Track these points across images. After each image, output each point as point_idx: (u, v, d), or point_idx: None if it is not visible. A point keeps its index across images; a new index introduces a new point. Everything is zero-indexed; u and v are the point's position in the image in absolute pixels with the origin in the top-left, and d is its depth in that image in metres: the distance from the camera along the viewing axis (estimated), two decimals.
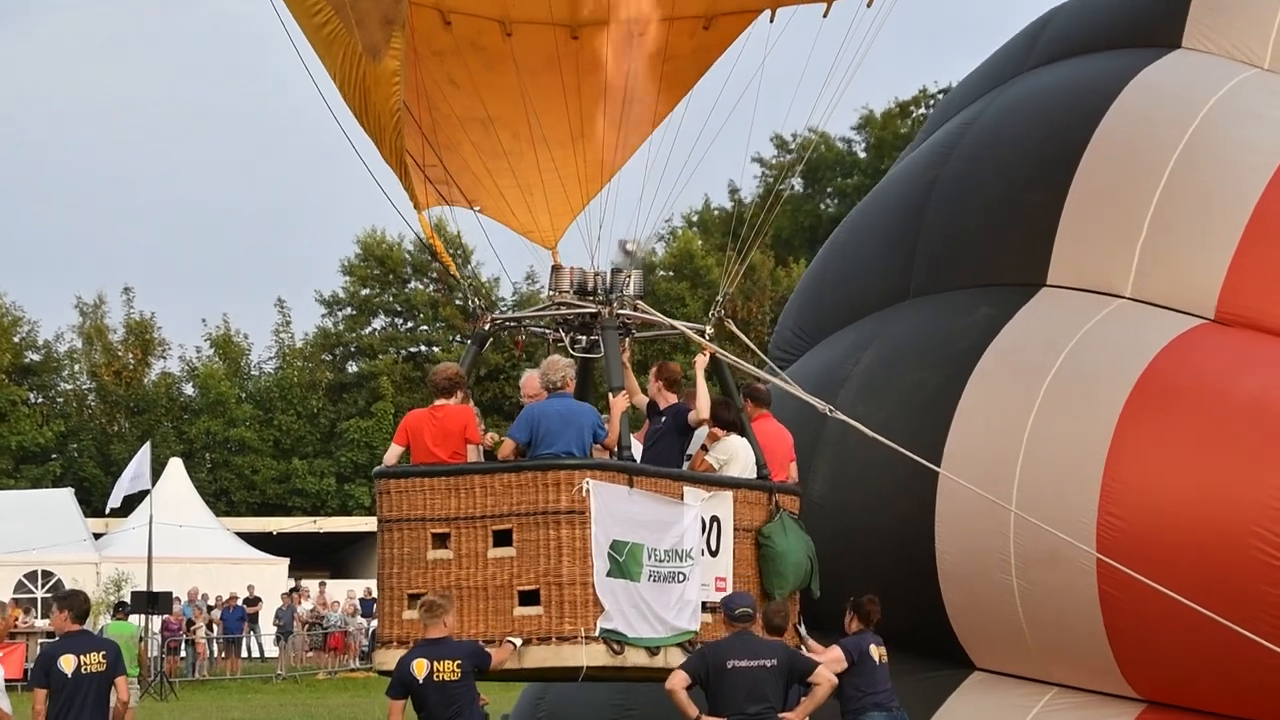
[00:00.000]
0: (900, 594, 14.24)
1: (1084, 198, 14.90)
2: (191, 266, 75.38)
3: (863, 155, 55.74)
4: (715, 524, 12.58)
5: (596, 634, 11.77)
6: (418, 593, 12.08)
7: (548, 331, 13.20)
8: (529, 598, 11.86)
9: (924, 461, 13.62)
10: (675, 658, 12.19)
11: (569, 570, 11.76)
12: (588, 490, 11.77)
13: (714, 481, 12.71)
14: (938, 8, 72.38)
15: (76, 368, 53.33)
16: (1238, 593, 13.30)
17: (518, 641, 11.72)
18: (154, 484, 39.15)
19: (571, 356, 12.77)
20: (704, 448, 13.02)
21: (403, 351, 53.72)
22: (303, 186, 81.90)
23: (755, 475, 13.10)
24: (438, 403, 12.38)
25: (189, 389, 53.12)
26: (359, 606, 40.75)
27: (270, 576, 42.72)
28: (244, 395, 52.57)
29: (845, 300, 16.66)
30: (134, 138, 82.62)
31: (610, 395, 12.39)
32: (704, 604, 12.47)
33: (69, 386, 53.54)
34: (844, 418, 13.79)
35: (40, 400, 53.03)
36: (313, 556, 47.47)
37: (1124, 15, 16.33)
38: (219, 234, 77.11)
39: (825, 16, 13.53)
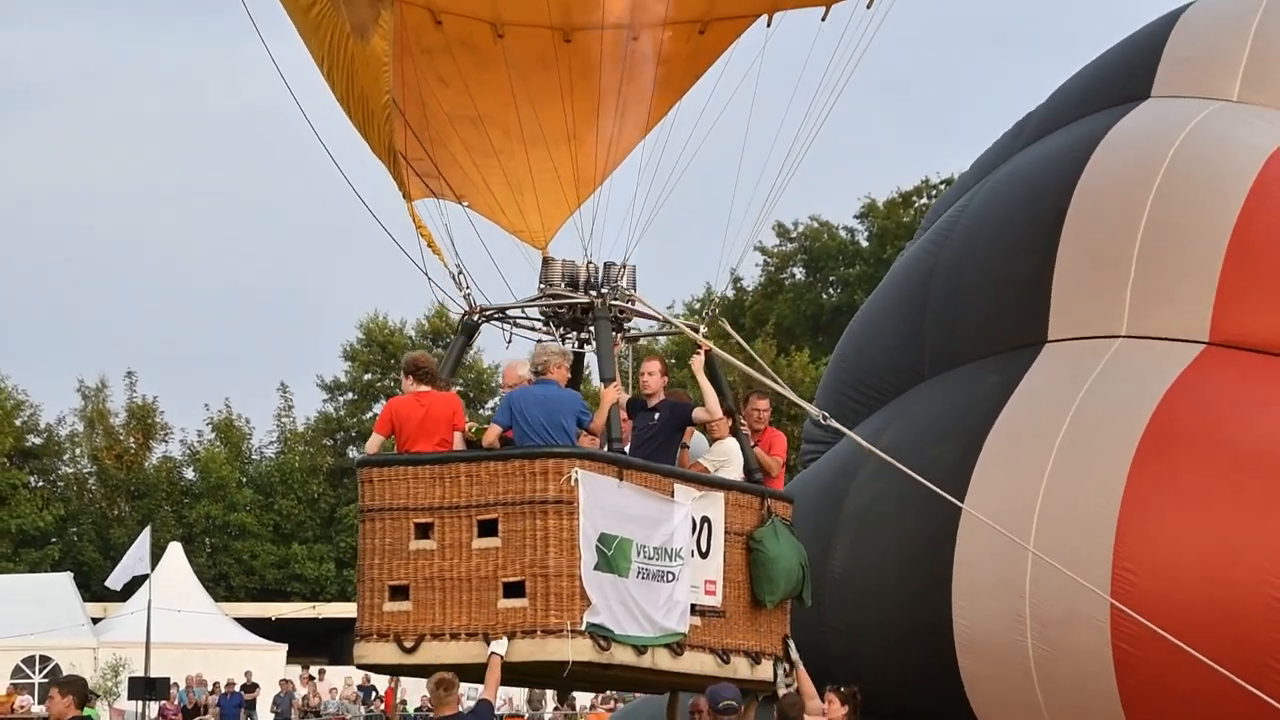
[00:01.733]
0: (916, 667, 14.39)
1: (1073, 252, 15.23)
2: (194, 350, 75.39)
3: (865, 244, 55.72)
4: (706, 525, 12.22)
5: (583, 628, 11.38)
6: (399, 584, 11.73)
7: (537, 326, 12.92)
8: (514, 589, 11.47)
9: (948, 496, 13.53)
10: (663, 659, 11.85)
11: (556, 561, 11.39)
12: (576, 480, 11.43)
13: (706, 481, 12.37)
14: (939, 99, 72.80)
15: (78, 451, 53.12)
16: (1254, 650, 13.30)
17: (501, 650, 11.36)
18: (153, 568, 38.82)
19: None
20: (684, 445, 12.71)
21: None
22: (305, 271, 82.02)
23: (746, 478, 12.80)
24: (420, 389, 12.08)
25: (190, 473, 52.87)
26: (359, 694, 40.18)
27: (268, 662, 42.24)
28: (244, 480, 52.32)
29: (862, 389, 16.93)
30: (136, 223, 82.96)
31: (601, 386, 12.10)
32: (693, 606, 12.11)
33: (70, 470, 53.30)
34: (837, 425, 13.65)
35: (41, 484, 52.78)
36: (312, 642, 46.99)
37: (1096, 83, 16.78)
38: (222, 318, 77.18)
39: (824, 20, 13.36)
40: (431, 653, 11.63)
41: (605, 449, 11.88)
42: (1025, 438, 14.65)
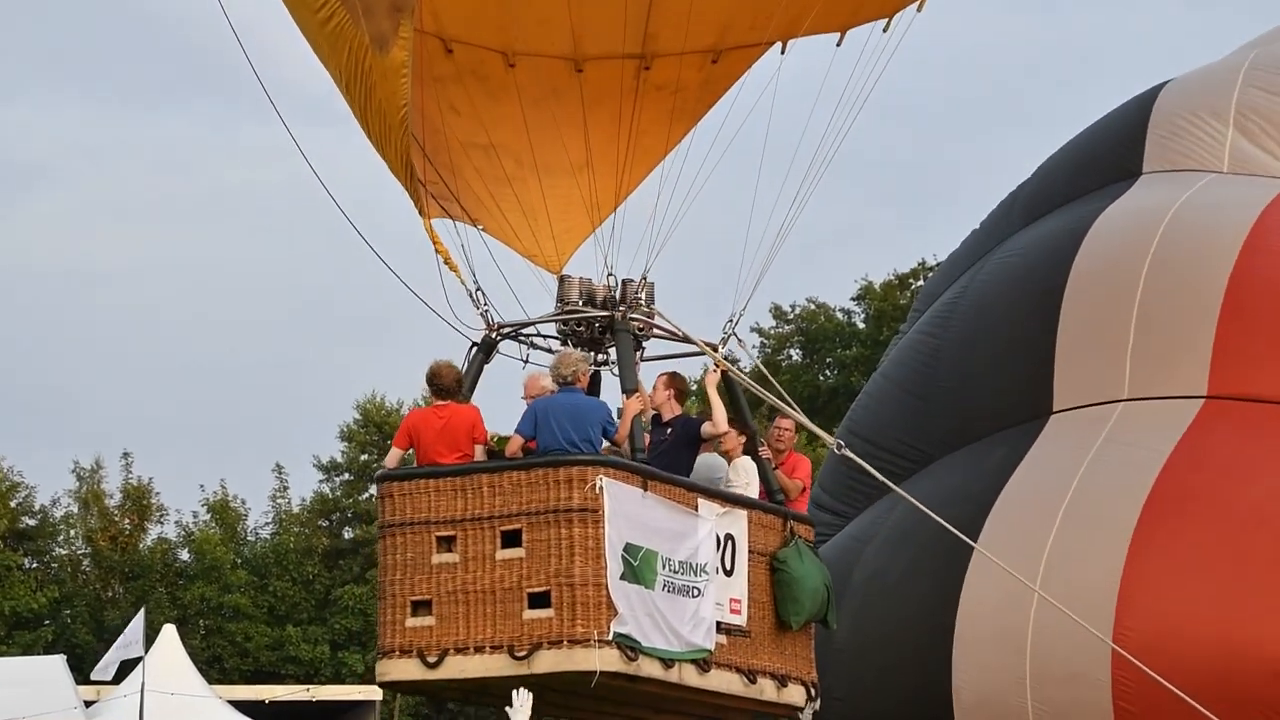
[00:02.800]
0: None
1: (1072, 325, 15.44)
2: (191, 431, 75.12)
3: (862, 326, 55.68)
4: (730, 542, 12.11)
5: (610, 638, 11.24)
6: (421, 599, 11.58)
7: (554, 346, 12.81)
8: (539, 600, 11.36)
9: (963, 536, 13.48)
10: (690, 675, 11.73)
11: (581, 570, 11.28)
12: (601, 487, 11.31)
13: (729, 498, 12.26)
14: (936, 182, 73.10)
15: (72, 533, 52.75)
16: (1257, 710, 13.49)
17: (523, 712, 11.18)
18: (147, 651, 38.46)
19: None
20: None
21: None
22: (302, 352, 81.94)
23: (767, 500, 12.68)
24: (440, 402, 11.96)
25: (185, 555, 52.49)
26: None
27: None
28: (239, 561, 51.97)
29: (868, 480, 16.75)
30: (133, 302, 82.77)
31: (623, 397, 11.98)
32: (719, 624, 11.97)
33: (64, 552, 52.91)
34: (851, 455, 13.61)
35: (35, 565, 52.35)
36: None
37: (1087, 167, 17.04)
38: (219, 399, 76.95)
39: (839, 46, 13.38)
40: (455, 667, 11.51)
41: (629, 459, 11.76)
42: (1031, 503, 14.84)
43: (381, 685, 11.72)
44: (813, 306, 55.91)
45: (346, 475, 54.73)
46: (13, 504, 52.24)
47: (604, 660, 11.20)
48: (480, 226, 13.26)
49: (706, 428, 12.42)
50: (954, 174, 70.64)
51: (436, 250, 12.37)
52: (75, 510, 53.21)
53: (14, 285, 74.70)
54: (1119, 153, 16.94)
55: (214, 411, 74.50)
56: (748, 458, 12.58)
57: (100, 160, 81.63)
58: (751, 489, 12.52)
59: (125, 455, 53.55)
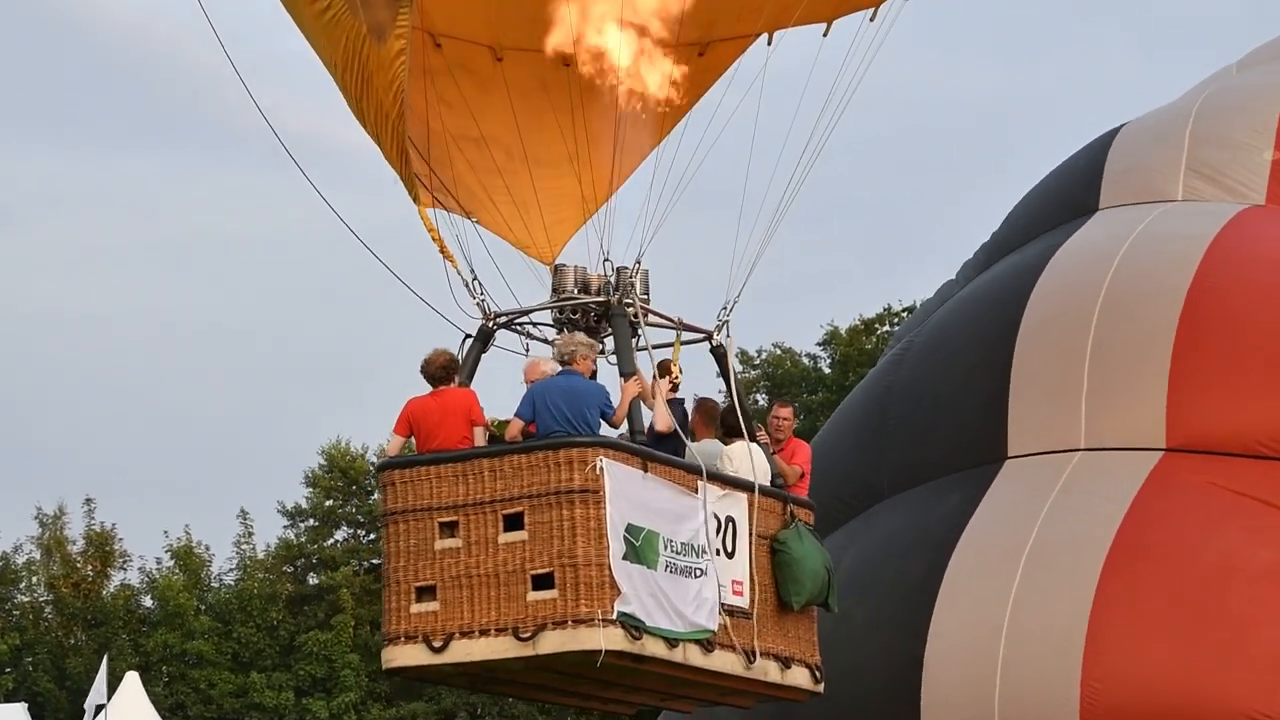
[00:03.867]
0: None
1: (1026, 367, 15.51)
2: (154, 477, 74.77)
3: (828, 371, 55.84)
4: (730, 524, 12.20)
5: (614, 617, 11.30)
6: (425, 585, 11.63)
7: (550, 332, 12.89)
8: (543, 581, 11.41)
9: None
10: (694, 655, 11.78)
11: (584, 551, 11.34)
12: (601, 468, 11.39)
13: (728, 481, 12.35)
14: (901, 228, 73.55)
15: (35, 579, 52.42)
16: None
17: None
18: (109, 698, 38.25)
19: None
20: None
21: (364, 563, 53.03)
22: (266, 397, 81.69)
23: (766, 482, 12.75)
24: (439, 387, 12.06)
25: (148, 601, 52.20)
26: None
27: None
28: (203, 608, 51.70)
29: (821, 508, 16.78)
30: (95, 347, 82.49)
31: (621, 380, 12.08)
32: (722, 605, 12.05)
33: (26, 599, 52.56)
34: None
35: None
36: None
37: (1043, 203, 17.20)
38: (183, 444, 76.62)
39: (825, 36, 13.49)
40: (461, 650, 11.55)
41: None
42: (991, 554, 14.90)
43: (389, 672, 11.74)
44: (778, 351, 56.07)
45: (311, 521, 54.58)
46: None
47: (609, 639, 11.26)
48: (474, 219, 13.33)
49: (658, 426, 12.43)
50: (920, 220, 71.12)
51: (432, 239, 12.45)
52: (37, 557, 52.92)
53: None
54: (1076, 192, 17.10)
55: (178, 457, 74.30)
56: (741, 443, 12.66)
57: (63, 205, 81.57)
58: (744, 475, 12.59)
59: (88, 501, 53.26)
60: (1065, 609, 14.16)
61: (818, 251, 74.10)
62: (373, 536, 54.18)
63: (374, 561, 53.79)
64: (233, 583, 53.86)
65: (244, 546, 53.89)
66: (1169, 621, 14.03)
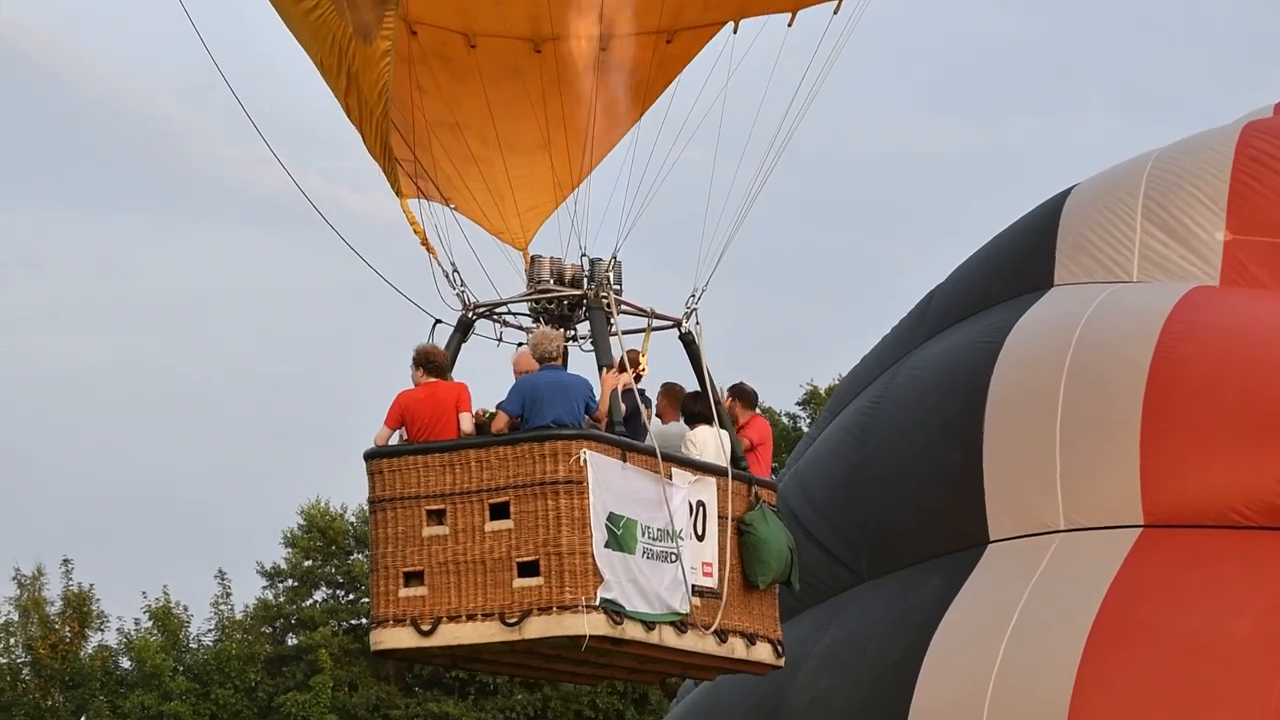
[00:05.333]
0: None
1: (997, 448, 15.60)
2: (132, 537, 74.74)
3: (807, 430, 56.02)
4: (701, 508, 12.68)
5: (597, 603, 11.75)
6: (413, 570, 12.01)
7: (525, 323, 13.26)
8: (528, 569, 11.86)
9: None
10: (669, 636, 12.25)
11: (568, 540, 11.79)
12: (585, 460, 11.81)
13: (699, 467, 12.80)
14: (878, 287, 74.00)
15: (12, 641, 52.34)
16: None
17: None
18: None
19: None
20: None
21: (344, 624, 53.10)
22: (244, 457, 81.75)
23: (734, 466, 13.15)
24: (429, 380, 12.41)
25: (125, 662, 52.13)
26: None
27: None
28: (180, 669, 51.63)
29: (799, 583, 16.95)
30: (72, 407, 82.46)
31: (600, 372, 12.46)
32: (693, 587, 12.50)
33: (3, 660, 52.45)
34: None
35: None
36: None
37: (998, 274, 17.26)
38: (160, 505, 76.63)
39: (790, 26, 13.81)
40: (449, 634, 11.98)
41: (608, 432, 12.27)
42: (973, 634, 14.98)
43: (377, 654, 12.08)
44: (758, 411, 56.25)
45: (290, 581, 54.59)
46: None
47: (592, 625, 11.71)
48: (452, 205, 13.65)
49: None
50: (899, 277, 71.67)
51: (414, 231, 12.81)
52: (15, 618, 52.85)
53: None
54: (1029, 262, 17.06)
55: (156, 517, 74.26)
56: (704, 427, 13.07)
57: (39, 264, 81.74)
58: (707, 458, 12.98)
59: (66, 561, 53.24)
60: (1047, 689, 14.30)
61: (796, 310, 74.67)
62: (351, 597, 54.27)
63: (353, 622, 53.86)
64: (211, 643, 53.80)
65: (222, 607, 53.81)
66: (1150, 699, 14.10)
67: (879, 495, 16.48)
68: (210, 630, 53.91)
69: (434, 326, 12.91)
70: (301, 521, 53.84)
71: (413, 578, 12.00)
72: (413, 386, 12.48)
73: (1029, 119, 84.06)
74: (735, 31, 13.92)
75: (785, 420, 57.16)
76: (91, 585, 53.30)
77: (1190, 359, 15.24)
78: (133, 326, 79.83)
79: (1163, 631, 14.36)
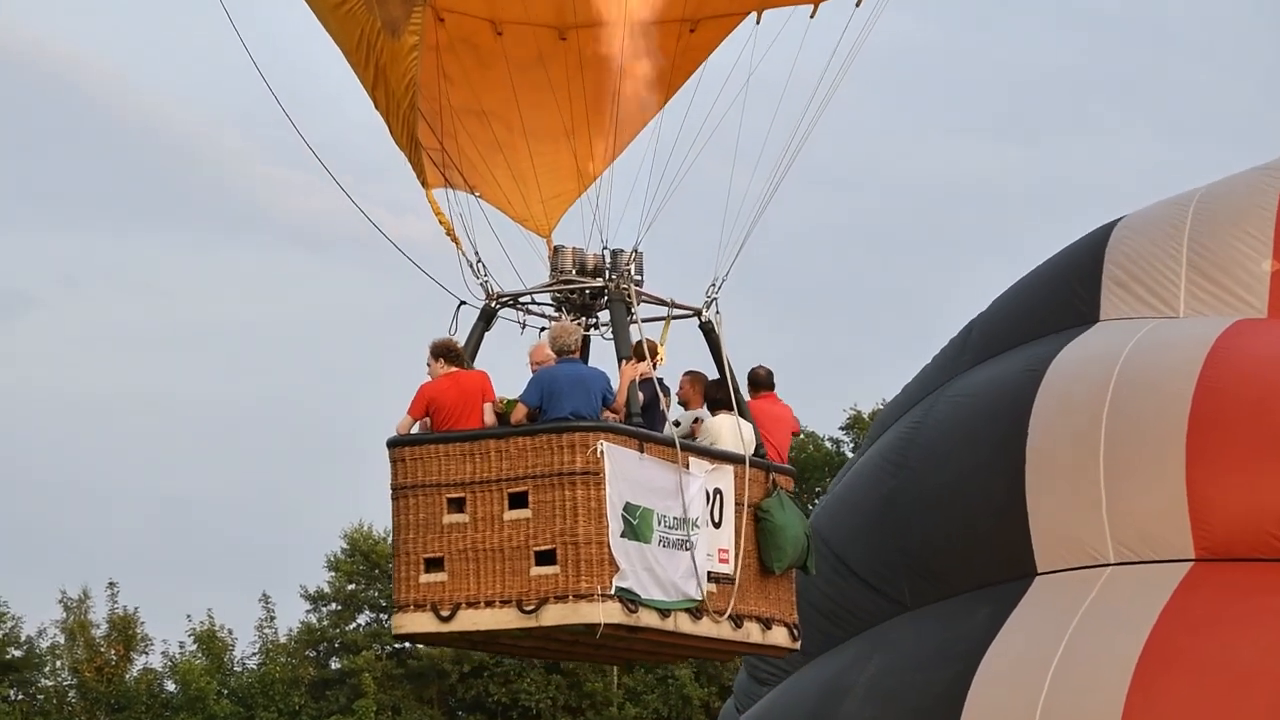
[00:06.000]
0: None
1: (1040, 478, 15.61)
2: (177, 560, 75.17)
3: (851, 455, 56.01)
4: (718, 496, 12.88)
5: (612, 592, 11.99)
6: (434, 556, 12.28)
7: (548, 312, 13.47)
8: (545, 557, 12.10)
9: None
10: (684, 623, 12.47)
11: (585, 530, 12.03)
12: (602, 452, 12.06)
13: (716, 456, 12.98)
14: (922, 312, 74.02)
15: (58, 664, 52.75)
16: None
17: None
18: None
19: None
20: (697, 419, 13.31)
21: (387, 648, 53.36)
22: (288, 481, 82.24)
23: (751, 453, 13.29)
24: (450, 369, 12.66)
25: (170, 685, 52.44)
26: None
27: None
28: (225, 692, 51.91)
29: (839, 614, 17.12)
30: (118, 431, 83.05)
31: (619, 364, 12.68)
32: (709, 574, 12.71)
33: (50, 683, 52.85)
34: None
35: (20, 697, 52.26)
36: None
37: (1043, 305, 17.28)
38: (205, 528, 77.07)
39: (812, 18, 13.96)
40: (468, 620, 12.24)
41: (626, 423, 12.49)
42: (1020, 664, 15.02)
43: (397, 638, 12.34)
44: (801, 436, 56.38)
45: (334, 605, 54.85)
46: None
47: (607, 613, 11.96)
48: (477, 194, 13.85)
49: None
50: (942, 303, 71.63)
51: (439, 221, 13.06)
52: (61, 641, 53.24)
53: None
54: (1074, 295, 17.12)
55: (201, 541, 74.67)
56: (720, 416, 13.27)
57: (84, 288, 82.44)
58: (725, 446, 13.13)
59: (111, 585, 53.65)
60: (1096, 716, 14.40)
61: (840, 335, 74.72)
62: None
63: (396, 646, 54.08)
64: (255, 667, 54.09)
65: (266, 630, 54.10)
66: None
67: (919, 521, 16.48)
68: (254, 654, 54.20)
69: (458, 309, 13.16)
70: (345, 545, 54.11)
71: (433, 564, 12.28)
72: (429, 379, 12.72)
73: (1074, 144, 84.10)
74: (759, 22, 14.05)
75: (829, 445, 57.16)
76: (136, 608, 53.66)
77: (1233, 388, 15.24)
78: (175, 349, 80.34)
79: (1210, 663, 14.39)
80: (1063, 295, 17.17)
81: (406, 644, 53.91)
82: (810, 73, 13.21)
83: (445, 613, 12.17)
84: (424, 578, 12.26)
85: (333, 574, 54.81)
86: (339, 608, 54.91)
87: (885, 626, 16.38)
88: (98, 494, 78.10)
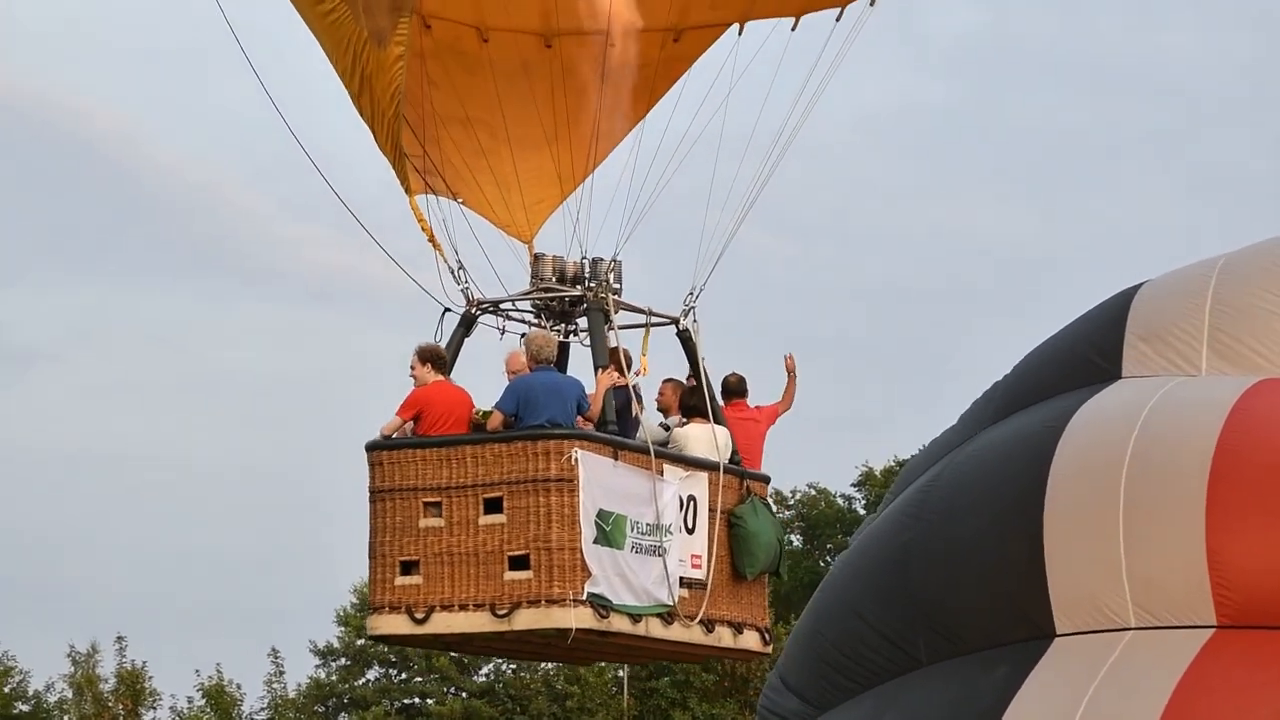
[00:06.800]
0: None
1: (1058, 537, 15.51)
2: (186, 616, 75.14)
3: (863, 512, 56.12)
4: (692, 502, 13.03)
5: (584, 598, 12.13)
6: (410, 560, 12.42)
7: (528, 318, 13.63)
8: (519, 562, 12.26)
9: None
10: (656, 628, 12.62)
11: (558, 536, 12.19)
12: (576, 459, 12.20)
13: (691, 463, 13.12)
14: (933, 365, 74.14)
15: (66, 719, 52.74)
16: None
17: None
18: None
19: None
20: (665, 426, 13.46)
21: (396, 703, 53.32)
22: (297, 535, 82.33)
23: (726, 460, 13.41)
24: (438, 377, 12.82)
25: None
26: None
27: None
28: None
29: (849, 669, 17.00)
30: (127, 485, 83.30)
31: (596, 372, 12.83)
32: (681, 579, 12.83)
33: None
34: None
35: None
36: None
37: (1067, 364, 17.34)
38: (214, 583, 77.12)
39: (794, 30, 14.13)
40: (442, 623, 12.40)
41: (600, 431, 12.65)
42: None
43: (372, 639, 12.43)
44: (813, 492, 56.35)
45: (343, 660, 54.93)
46: (6, 689, 52.40)
47: (578, 618, 12.12)
48: (460, 200, 14.03)
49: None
50: (959, 361, 71.77)
51: (421, 228, 13.22)
52: (69, 695, 53.32)
53: (7, 468, 75.34)
54: (1095, 355, 17.15)
55: (209, 595, 74.70)
56: (692, 424, 13.38)
57: (94, 342, 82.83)
58: (699, 454, 13.22)
59: (119, 639, 53.70)
60: None
61: (851, 392, 74.75)
62: (404, 676, 54.51)
63: (406, 701, 54.10)
64: None
65: (275, 685, 54.16)
66: None
67: (935, 576, 16.41)
68: (263, 709, 54.24)
69: (442, 316, 13.33)
70: (354, 599, 54.18)
71: (409, 567, 12.46)
72: (414, 381, 12.87)
73: (1097, 206, 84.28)
74: (740, 34, 14.24)
75: (840, 501, 57.21)
76: (145, 663, 53.66)
77: (1254, 447, 15.23)
78: (187, 404, 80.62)
79: None
80: (1085, 353, 17.20)
81: (416, 700, 53.95)
82: (792, 85, 13.41)
83: (420, 615, 12.32)
84: (399, 580, 12.42)
85: (342, 629, 54.87)
86: (348, 663, 54.99)
87: (897, 682, 16.36)
88: (106, 547, 78.28)
